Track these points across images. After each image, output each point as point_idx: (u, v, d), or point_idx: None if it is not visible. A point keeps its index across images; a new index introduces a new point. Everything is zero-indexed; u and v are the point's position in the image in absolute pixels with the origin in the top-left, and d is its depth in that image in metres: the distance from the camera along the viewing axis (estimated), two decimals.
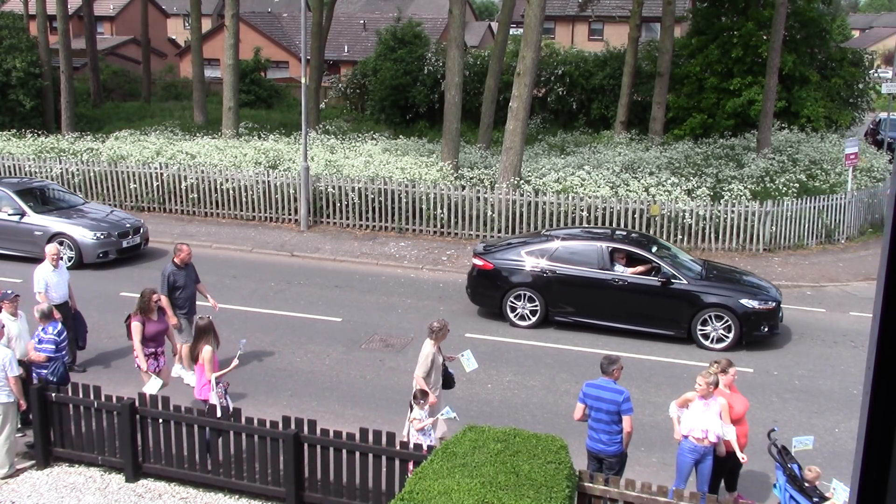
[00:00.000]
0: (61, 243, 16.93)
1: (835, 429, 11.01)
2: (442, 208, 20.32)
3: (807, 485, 7.97)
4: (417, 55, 34.63)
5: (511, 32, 29.23)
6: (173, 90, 44.71)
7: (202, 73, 32.43)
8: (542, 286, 14.44)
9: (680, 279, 13.81)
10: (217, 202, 22.21)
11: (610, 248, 14.35)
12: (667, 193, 19.68)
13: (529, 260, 14.58)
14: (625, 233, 16.49)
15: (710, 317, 13.67)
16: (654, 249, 14.55)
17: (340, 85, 40.19)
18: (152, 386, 10.05)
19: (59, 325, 10.15)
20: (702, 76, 29.05)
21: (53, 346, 9.86)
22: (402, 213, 20.71)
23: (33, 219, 17.91)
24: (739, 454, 8.56)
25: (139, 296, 10.73)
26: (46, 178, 23.19)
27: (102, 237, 17.72)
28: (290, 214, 21.72)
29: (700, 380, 8.46)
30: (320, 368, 12.74)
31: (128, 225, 18.45)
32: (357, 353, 13.40)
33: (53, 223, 17.89)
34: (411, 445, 8.43)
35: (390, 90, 33.76)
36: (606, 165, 22.13)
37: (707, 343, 13.68)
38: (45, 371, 9.84)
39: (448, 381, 9.97)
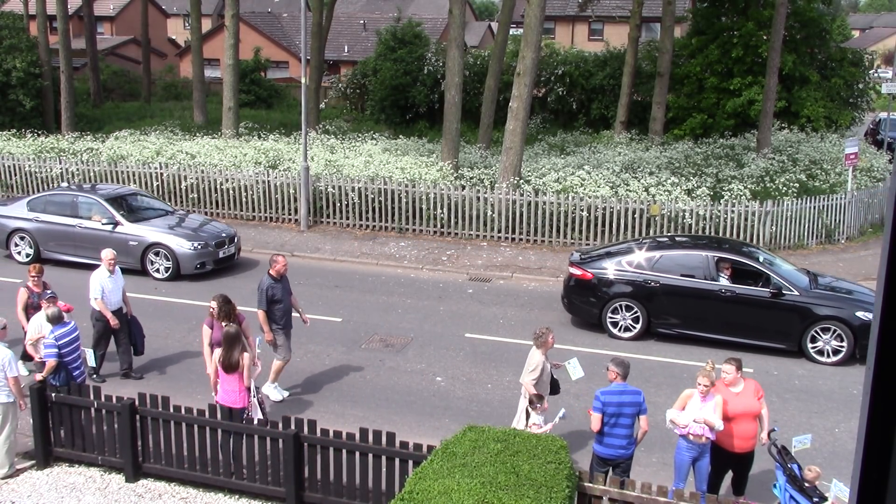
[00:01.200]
0: (157, 254, 16.91)
1: (835, 429, 11.00)
2: (442, 208, 20.32)
3: (807, 485, 7.96)
4: (417, 55, 34.63)
5: (511, 32, 29.23)
6: (173, 90, 44.72)
7: (202, 73, 32.42)
8: (645, 297, 13.96)
9: (791, 290, 13.34)
10: (217, 202, 22.22)
11: (716, 258, 13.87)
12: (667, 193, 19.68)
13: (630, 270, 14.14)
14: (725, 241, 16.11)
15: (821, 329, 13.15)
16: (760, 259, 14.06)
17: (340, 85, 40.20)
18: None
19: (63, 329, 9.97)
20: (702, 76, 29.05)
21: (55, 350, 9.81)
22: (402, 213, 20.71)
23: (127, 228, 17.19)
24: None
25: (223, 301, 10.53)
26: (46, 178, 23.22)
27: (200, 247, 17.03)
28: (290, 214, 21.72)
29: (702, 379, 8.44)
30: (320, 368, 12.74)
31: (223, 234, 17.75)
32: (357, 353, 13.40)
33: (148, 233, 17.16)
34: None
35: (390, 90, 33.77)
36: (606, 165, 22.13)
37: (820, 358, 13.17)
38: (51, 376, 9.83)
39: (554, 387, 9.88)
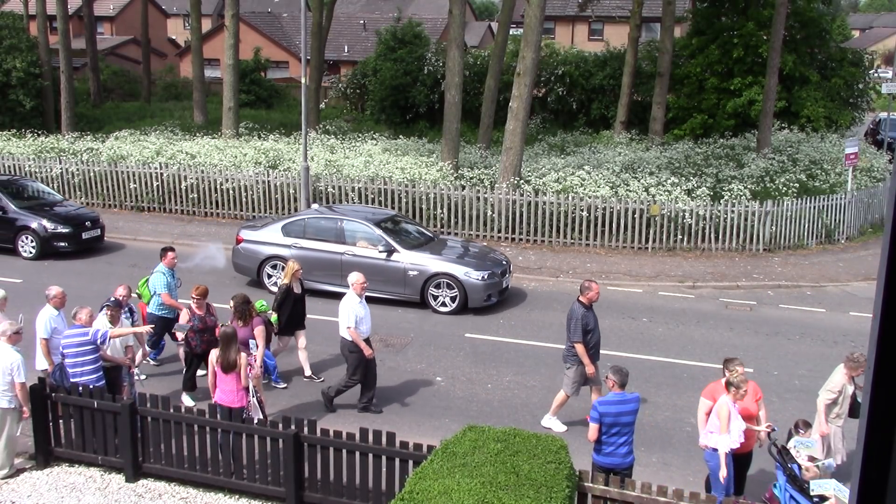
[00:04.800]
0: (440, 285, 15.20)
1: None
2: (442, 208, 20.32)
3: (806, 485, 7.96)
4: (417, 55, 34.64)
5: (511, 32, 29.23)
6: (173, 90, 44.73)
7: (202, 73, 32.42)
8: None
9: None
10: (217, 202, 22.22)
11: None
12: (667, 193, 19.68)
13: None
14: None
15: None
16: None
17: (340, 85, 40.21)
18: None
19: (76, 331, 9.74)
20: (702, 76, 29.06)
21: (62, 349, 9.75)
22: (403, 212, 20.70)
23: (404, 256, 15.39)
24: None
25: (241, 301, 10.61)
26: (46, 178, 23.22)
27: (488, 277, 15.24)
28: (290, 214, 21.70)
29: (742, 386, 8.26)
30: (320, 368, 12.73)
31: (504, 262, 16.16)
32: None
33: (429, 261, 15.38)
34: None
35: (390, 90, 33.77)
36: (606, 165, 22.13)
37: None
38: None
39: (853, 411, 9.40)
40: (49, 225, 18.63)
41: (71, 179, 23.08)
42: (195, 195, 22.26)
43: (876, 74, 35.56)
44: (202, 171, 22.22)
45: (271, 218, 18.90)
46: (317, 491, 8.81)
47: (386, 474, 8.49)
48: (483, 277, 15.16)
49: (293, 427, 8.77)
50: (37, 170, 23.46)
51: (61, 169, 23.22)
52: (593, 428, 8.25)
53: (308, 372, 12.34)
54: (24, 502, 8.97)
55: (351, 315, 10.82)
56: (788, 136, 26.52)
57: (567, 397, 10.80)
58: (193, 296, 11.09)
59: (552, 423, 10.89)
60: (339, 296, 12.43)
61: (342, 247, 15.71)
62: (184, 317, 11.12)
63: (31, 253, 18.62)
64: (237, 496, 9.13)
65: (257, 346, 10.76)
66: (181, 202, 22.39)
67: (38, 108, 31.49)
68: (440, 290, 15.24)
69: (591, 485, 7.59)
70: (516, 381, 12.43)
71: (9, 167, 23.85)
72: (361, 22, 54.76)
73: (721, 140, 26.87)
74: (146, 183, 22.55)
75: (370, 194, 20.82)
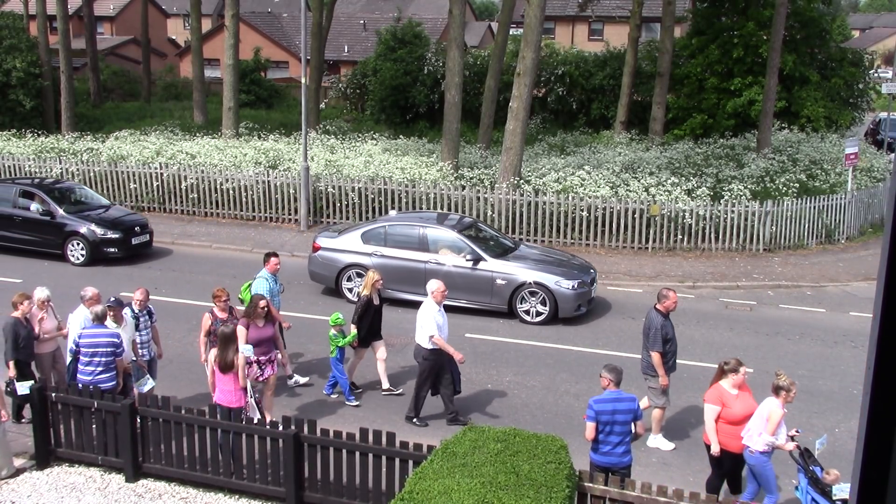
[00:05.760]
0: (530, 294, 14.71)
1: (835, 429, 11.00)
2: (442, 208, 20.32)
3: (828, 488, 7.94)
4: (417, 55, 34.64)
5: (511, 32, 29.23)
6: (173, 90, 44.74)
7: (202, 73, 32.43)
8: None
9: None
10: (217, 202, 22.22)
11: None
12: (667, 193, 19.68)
13: None
14: None
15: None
16: None
17: (340, 85, 40.22)
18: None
19: (94, 330, 9.72)
20: (702, 76, 29.07)
21: (75, 347, 9.70)
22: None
23: (492, 265, 14.95)
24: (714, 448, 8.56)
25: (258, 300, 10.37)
26: (46, 178, 23.22)
27: (578, 286, 14.75)
28: (290, 214, 21.73)
29: (792, 389, 8.30)
30: (321, 368, 12.73)
31: (591, 270, 15.68)
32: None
33: (518, 270, 14.87)
34: None
35: (390, 90, 33.77)
36: (606, 165, 22.13)
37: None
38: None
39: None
40: (99, 230, 18.07)
41: (71, 179, 23.07)
42: (195, 195, 22.27)
43: (876, 74, 35.58)
44: (202, 171, 22.23)
45: (347, 224, 18.52)
46: (317, 491, 8.81)
47: (386, 474, 8.49)
48: (574, 286, 14.65)
49: (293, 427, 8.77)
50: (37, 170, 23.45)
51: (61, 169, 23.22)
52: (590, 427, 8.25)
53: (386, 385, 11.88)
54: (24, 502, 8.97)
55: (432, 323, 10.53)
56: (788, 136, 26.53)
57: (663, 410, 10.34)
58: (217, 298, 10.99)
59: (659, 443, 10.40)
60: (415, 305, 12.02)
61: (426, 255, 15.24)
62: (206, 321, 10.97)
63: (80, 259, 18.00)
64: (237, 496, 9.13)
65: (277, 347, 10.64)
66: (181, 202, 22.40)
67: (38, 108, 31.50)
68: (529, 300, 14.76)
69: (591, 485, 7.59)
70: (516, 381, 12.43)
71: (9, 167, 23.86)
72: (361, 22, 54.77)
73: (721, 140, 26.88)
74: (146, 183, 22.55)
75: (370, 194, 20.82)
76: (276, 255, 12.21)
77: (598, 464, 8.29)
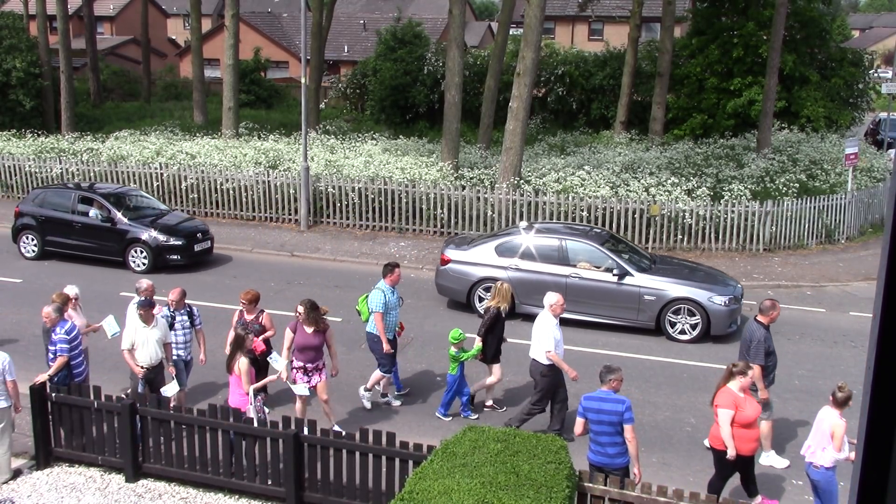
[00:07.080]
0: (680, 311, 14.03)
1: None
2: (442, 208, 20.32)
3: None
4: (417, 55, 34.64)
5: (511, 32, 29.24)
6: (173, 90, 44.73)
7: (202, 73, 32.42)
8: None
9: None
10: (217, 202, 22.22)
11: None
12: (667, 193, 19.68)
13: None
14: None
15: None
16: None
17: (340, 85, 40.22)
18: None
19: (69, 324, 9.92)
20: (702, 76, 29.07)
21: (67, 346, 9.78)
22: (402, 213, 20.72)
23: (639, 280, 14.19)
24: (731, 452, 8.53)
25: (310, 307, 10.21)
26: (46, 178, 23.22)
27: (730, 302, 14.04)
28: (290, 214, 21.73)
29: (850, 400, 8.27)
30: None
31: (738, 286, 14.91)
32: (357, 353, 13.39)
33: (667, 285, 14.12)
34: None
35: (390, 90, 33.77)
36: (606, 165, 22.13)
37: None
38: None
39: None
40: (161, 237, 17.71)
41: (71, 180, 23.06)
42: (195, 195, 22.27)
43: (876, 74, 35.58)
44: (202, 172, 22.23)
45: (475, 235, 17.90)
46: (317, 491, 8.82)
47: (386, 474, 8.49)
48: (726, 302, 13.93)
49: (293, 427, 8.77)
50: (37, 170, 23.46)
51: (61, 169, 23.22)
52: (579, 423, 8.38)
53: (489, 401, 11.59)
54: (24, 502, 8.97)
55: (550, 338, 10.10)
56: (788, 136, 26.52)
57: (771, 423, 9.97)
58: (243, 301, 10.95)
59: (772, 460, 9.99)
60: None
61: (566, 269, 14.51)
62: (233, 320, 10.96)
63: (142, 266, 17.58)
64: (237, 496, 9.14)
65: (331, 356, 10.54)
66: (181, 202, 22.38)
67: (38, 108, 31.49)
68: (679, 317, 14.04)
69: (590, 485, 7.59)
70: (516, 380, 12.42)
71: (9, 167, 23.85)
72: (361, 22, 54.77)
73: (721, 140, 26.87)
74: (146, 183, 22.54)
75: (370, 194, 20.82)
76: (397, 265, 11.73)
77: (591, 461, 8.36)
